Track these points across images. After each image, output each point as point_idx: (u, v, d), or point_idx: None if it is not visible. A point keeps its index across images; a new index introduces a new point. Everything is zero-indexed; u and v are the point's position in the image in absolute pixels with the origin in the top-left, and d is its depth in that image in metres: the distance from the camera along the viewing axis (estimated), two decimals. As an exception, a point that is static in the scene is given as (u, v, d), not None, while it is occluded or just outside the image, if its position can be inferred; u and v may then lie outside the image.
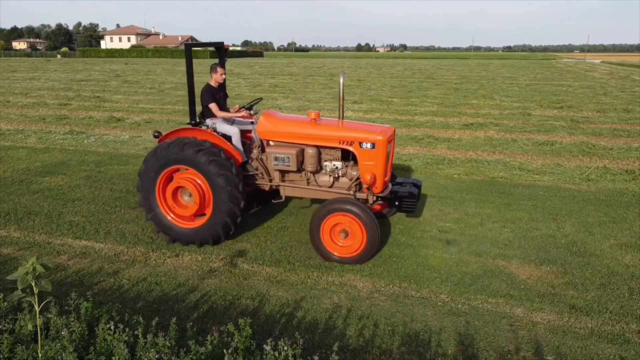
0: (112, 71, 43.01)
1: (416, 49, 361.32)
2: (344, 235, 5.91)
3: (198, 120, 6.78)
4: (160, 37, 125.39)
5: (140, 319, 3.64)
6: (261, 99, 7.54)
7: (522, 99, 22.15)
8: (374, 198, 6.28)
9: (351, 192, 6.34)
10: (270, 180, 6.65)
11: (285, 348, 3.15)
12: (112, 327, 3.36)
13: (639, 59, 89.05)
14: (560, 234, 6.83)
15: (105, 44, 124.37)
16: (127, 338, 3.29)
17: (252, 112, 6.84)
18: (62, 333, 3.32)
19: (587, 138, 13.28)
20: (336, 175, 6.41)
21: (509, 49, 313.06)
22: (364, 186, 6.16)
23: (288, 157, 6.33)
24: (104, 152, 11.77)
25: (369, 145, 6.07)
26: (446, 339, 4.40)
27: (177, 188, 6.33)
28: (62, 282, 5.36)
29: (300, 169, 6.47)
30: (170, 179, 6.39)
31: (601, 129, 14.67)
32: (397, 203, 6.27)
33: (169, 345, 3.25)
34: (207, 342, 3.39)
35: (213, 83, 6.86)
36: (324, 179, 6.53)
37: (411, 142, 12.88)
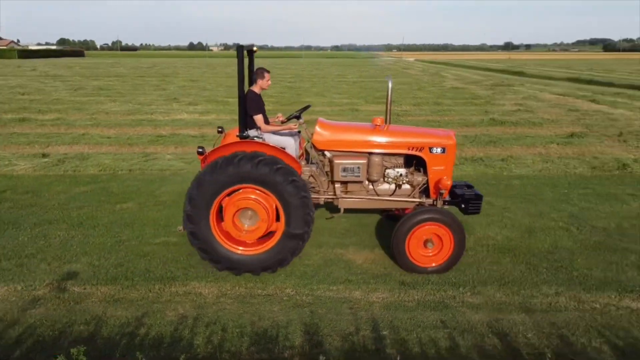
0: None
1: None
2: (431, 245, 5.72)
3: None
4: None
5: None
6: (309, 106, 6.97)
7: (351, 96, 23.82)
8: (443, 203, 6.17)
9: (416, 199, 6.19)
10: (333, 194, 6.26)
11: (126, 371, 2.97)
12: None
13: (445, 58, 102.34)
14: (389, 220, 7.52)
15: None
16: None
17: (301, 120, 6.28)
18: None
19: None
20: (400, 183, 6.18)
21: (337, 48, 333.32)
22: (432, 192, 6.09)
23: (358, 167, 6.02)
24: None
25: (439, 150, 5.99)
26: (293, 331, 4.56)
27: (237, 210, 5.60)
28: None
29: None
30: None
31: (418, 121, 16.45)
32: (463, 206, 6.19)
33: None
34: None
35: (257, 90, 6.12)
36: (384, 187, 6.28)
37: (250, 142, 12.98)
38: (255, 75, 6.14)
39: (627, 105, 20.47)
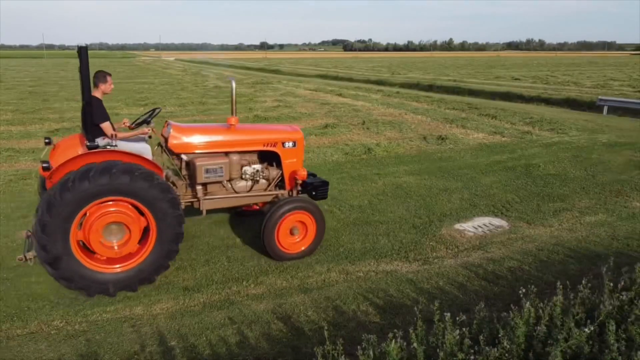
0: None
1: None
2: (297, 231, 6.04)
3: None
4: None
5: None
6: (159, 109, 6.61)
7: (107, 99, 21.93)
8: (297, 192, 6.49)
9: (273, 192, 6.47)
10: (194, 196, 6.05)
11: None
12: None
13: (204, 57, 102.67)
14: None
15: None
16: None
17: (152, 125, 5.99)
18: None
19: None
20: (257, 179, 6.36)
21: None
22: (287, 184, 6.46)
23: (221, 167, 5.95)
24: None
25: (291, 144, 6.41)
26: (67, 367, 4.06)
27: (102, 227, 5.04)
28: None
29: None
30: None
31: (184, 121, 16.13)
32: (314, 193, 6.42)
33: None
34: None
35: (100, 95, 5.64)
36: (242, 184, 6.36)
37: (-15, 158, 10.95)
38: (96, 79, 5.68)
39: (366, 97, 23.77)
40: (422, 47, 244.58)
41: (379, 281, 5.62)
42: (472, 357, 3.02)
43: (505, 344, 3.10)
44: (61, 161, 5.12)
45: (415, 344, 3.13)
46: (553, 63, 67.89)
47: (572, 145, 12.85)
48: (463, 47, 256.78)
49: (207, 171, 5.92)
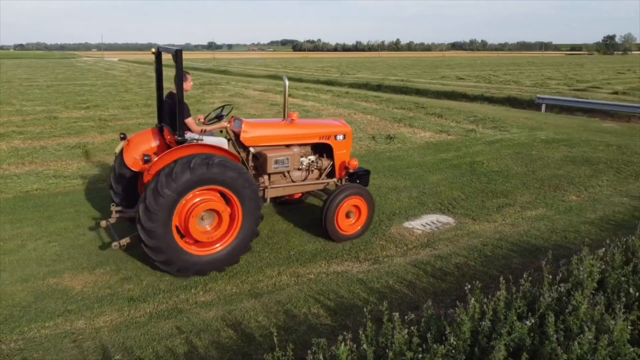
0: None
1: None
2: (352, 215, 6.76)
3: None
4: None
5: None
6: (231, 105, 7.22)
7: (46, 102, 21.00)
8: (345, 181, 7.19)
9: (325, 181, 7.15)
10: (260, 185, 6.53)
11: None
12: None
13: (150, 57, 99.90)
14: (108, 233, 6.93)
15: None
16: None
17: (225, 120, 6.64)
18: None
19: (117, 135, 13.88)
20: (312, 169, 7.08)
21: (21, 47, 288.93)
22: (337, 173, 7.16)
23: (287, 159, 6.59)
24: None
25: (342, 137, 7.12)
26: (1, 389, 3.81)
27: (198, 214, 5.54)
28: None
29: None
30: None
31: (128, 124, 15.63)
32: (358, 181, 7.08)
33: None
34: None
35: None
36: (298, 174, 6.99)
37: None
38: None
39: (316, 97, 23.81)
40: (370, 48, 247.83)
41: (330, 282, 5.62)
42: (420, 356, 3.06)
43: (452, 340, 3.16)
44: (135, 155, 6.25)
45: (365, 345, 3.13)
46: (495, 63, 70.48)
47: (514, 142, 13.36)
48: (410, 47, 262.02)
49: (275, 162, 6.54)
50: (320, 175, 7.23)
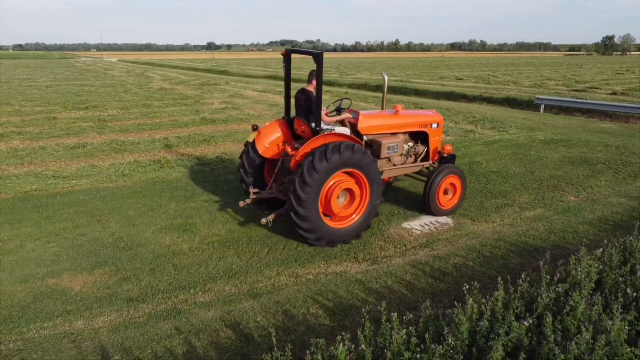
0: None
1: None
2: (449, 192, 7.81)
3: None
4: None
5: None
6: (349, 99, 7.99)
7: (45, 102, 20.99)
8: (436, 163, 8.20)
9: (419, 164, 8.12)
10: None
11: None
12: None
13: (149, 57, 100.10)
14: (107, 233, 6.96)
15: None
16: None
17: (345, 112, 7.48)
18: None
19: (116, 136, 13.90)
20: (411, 154, 8.04)
21: (20, 47, 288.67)
22: (432, 156, 8.14)
23: (397, 145, 7.66)
24: None
25: (436, 125, 8.14)
26: (0, 390, 3.82)
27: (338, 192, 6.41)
28: None
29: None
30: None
31: (127, 125, 15.64)
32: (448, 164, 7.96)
33: None
34: None
35: (312, 89, 6.81)
36: (399, 159, 7.95)
37: None
38: (310, 76, 6.93)
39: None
40: (369, 48, 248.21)
41: (329, 283, 5.63)
42: (418, 356, 3.07)
43: (450, 340, 3.17)
44: (265, 143, 7.18)
45: (363, 345, 3.15)
46: (494, 63, 70.54)
47: (512, 142, 13.38)
48: (409, 47, 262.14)
49: (388, 148, 7.53)
50: (416, 159, 8.18)
